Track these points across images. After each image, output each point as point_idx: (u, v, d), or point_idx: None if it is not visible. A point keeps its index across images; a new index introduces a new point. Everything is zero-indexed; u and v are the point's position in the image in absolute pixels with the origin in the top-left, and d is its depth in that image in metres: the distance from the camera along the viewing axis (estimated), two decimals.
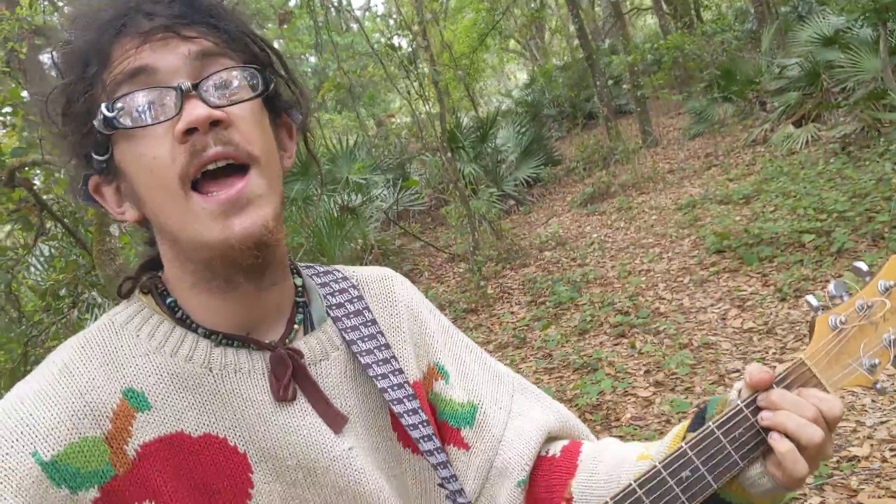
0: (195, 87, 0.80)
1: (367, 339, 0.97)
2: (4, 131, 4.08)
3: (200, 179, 0.81)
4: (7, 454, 0.76)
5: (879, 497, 2.89)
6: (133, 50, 0.80)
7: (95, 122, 0.81)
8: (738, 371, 4.33)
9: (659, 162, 11.53)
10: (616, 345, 5.29)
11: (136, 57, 0.80)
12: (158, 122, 0.80)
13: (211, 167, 0.81)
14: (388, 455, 0.96)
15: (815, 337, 0.91)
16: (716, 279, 5.86)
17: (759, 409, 0.86)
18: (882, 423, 3.35)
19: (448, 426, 1.02)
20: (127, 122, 0.80)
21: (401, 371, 0.97)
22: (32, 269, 4.70)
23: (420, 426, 0.95)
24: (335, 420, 0.90)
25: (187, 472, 0.82)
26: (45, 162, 3.54)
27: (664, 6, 17.71)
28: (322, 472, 0.88)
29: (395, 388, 0.95)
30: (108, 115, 0.80)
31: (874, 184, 6.23)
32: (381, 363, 0.96)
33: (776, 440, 0.83)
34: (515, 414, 1.06)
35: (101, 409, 0.81)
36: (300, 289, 0.97)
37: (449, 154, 7.89)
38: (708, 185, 8.94)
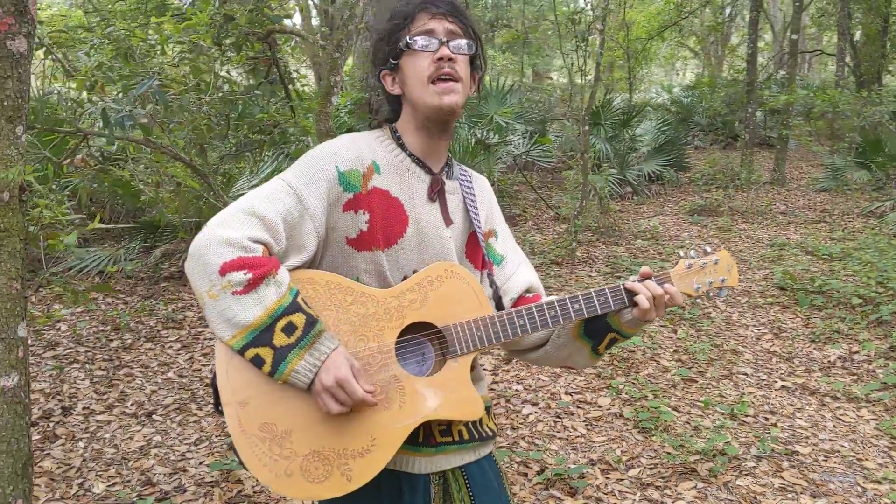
0: (447, 42, 1.64)
1: (471, 197, 1.80)
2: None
3: (437, 79, 1.63)
4: (323, 163, 1.62)
5: (797, 478, 3.82)
6: (426, 20, 1.66)
7: (401, 44, 1.66)
8: (746, 374, 5.24)
9: (777, 201, 12.05)
10: (662, 327, 6.22)
11: (427, 23, 1.66)
12: (427, 51, 1.64)
13: (443, 76, 1.63)
14: (458, 256, 1.75)
15: (677, 266, 1.79)
16: (767, 308, 6.68)
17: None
18: (830, 440, 4.24)
19: (489, 261, 1.82)
20: (416, 47, 1.65)
21: (480, 222, 1.80)
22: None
23: (484, 247, 1.79)
24: (447, 220, 1.73)
25: (384, 208, 1.64)
26: (291, 32, 4.70)
27: (849, 58, 17.60)
28: (434, 240, 1.69)
29: (479, 225, 1.78)
30: (408, 41, 1.65)
31: None
32: (475, 212, 1.78)
33: (640, 298, 1.67)
34: (519, 270, 1.88)
35: (364, 161, 1.65)
36: (450, 159, 1.80)
37: (587, 127, 8.76)
38: (807, 236, 9.52)
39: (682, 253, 1.83)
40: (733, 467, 3.93)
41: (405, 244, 1.65)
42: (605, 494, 3.72)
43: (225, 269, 1.44)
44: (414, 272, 1.65)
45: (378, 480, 1.57)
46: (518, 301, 1.84)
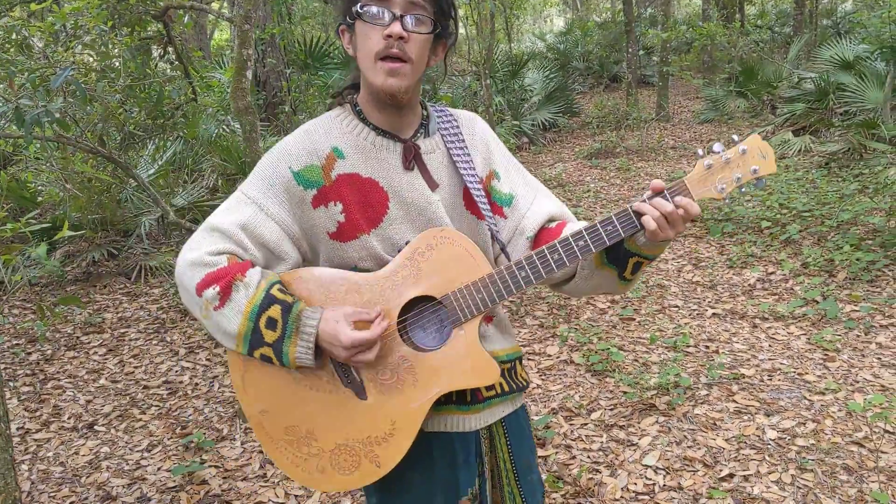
0: (402, 17, 1.48)
1: (457, 147, 1.67)
2: None
3: (385, 58, 1.50)
4: (276, 167, 1.56)
5: (748, 400, 4.00)
6: None
7: (353, 8, 1.51)
8: (677, 306, 5.44)
9: (666, 136, 12.48)
10: None
11: None
12: (378, 24, 1.49)
13: (391, 55, 1.49)
14: (455, 213, 1.65)
15: (694, 170, 1.55)
16: (682, 241, 6.93)
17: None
18: (770, 359, 4.46)
19: (496, 205, 1.72)
20: (366, 17, 1.49)
21: (474, 169, 1.67)
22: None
23: (481, 199, 1.65)
24: (432, 184, 1.62)
25: (357, 193, 1.57)
26: (191, 7, 4.45)
27: None
28: (422, 208, 1.60)
29: (470, 175, 1.65)
30: (358, 10, 1.49)
31: (838, 198, 7.25)
32: (463, 162, 1.66)
33: (646, 220, 1.49)
34: (535, 203, 1.74)
35: (320, 152, 1.57)
36: (425, 116, 1.67)
37: (488, 81, 8.77)
38: None
39: (700, 152, 1.57)
40: (688, 397, 4.08)
41: (391, 220, 1.60)
42: (574, 441, 3.80)
43: (199, 289, 1.49)
44: (407, 244, 1.59)
45: (429, 445, 1.63)
46: (539, 235, 1.72)
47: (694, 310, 5.38)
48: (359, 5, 1.50)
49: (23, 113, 2.78)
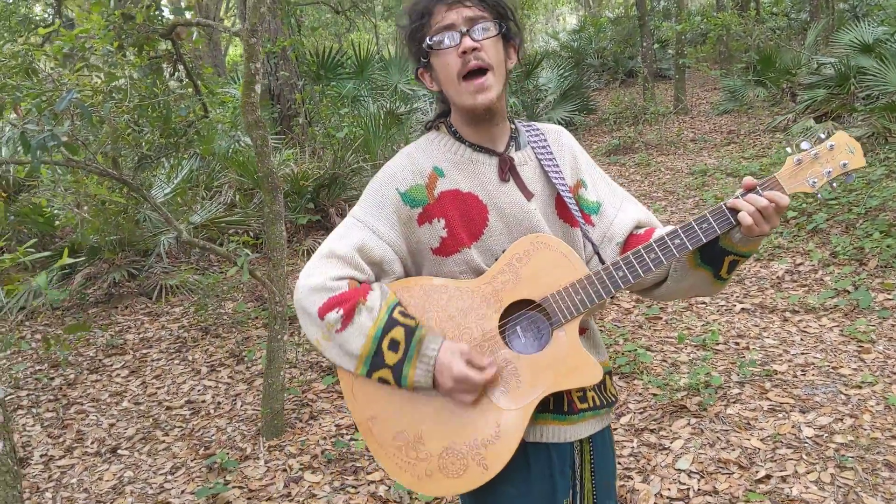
0: (468, 31, 1.57)
1: (547, 159, 1.74)
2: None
3: (468, 75, 1.57)
4: (384, 190, 1.65)
5: (782, 397, 3.88)
6: (443, 13, 1.58)
7: (424, 45, 1.61)
8: (705, 303, 5.31)
9: (685, 129, 12.31)
10: None
11: (444, 17, 1.58)
12: (451, 47, 1.58)
13: (472, 68, 1.56)
14: (551, 221, 1.70)
15: (784, 166, 1.60)
16: None
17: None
18: (802, 354, 4.33)
19: (585, 213, 1.76)
20: (440, 47, 1.58)
21: (564, 179, 1.73)
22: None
23: (574, 207, 1.70)
24: (527, 194, 1.68)
25: (459, 207, 1.64)
26: (198, 23, 4.41)
27: None
28: (520, 218, 1.65)
29: (562, 184, 1.70)
30: (429, 43, 1.60)
31: (864, 184, 7.07)
32: (554, 172, 1.72)
33: (742, 216, 1.52)
34: (622, 210, 1.80)
35: (423, 172, 1.66)
36: (514, 130, 1.76)
37: None
38: (723, 159, 9.76)
39: (789, 149, 1.62)
40: (720, 397, 3.97)
41: (491, 232, 1.65)
42: None
43: (322, 313, 1.55)
44: (504, 251, 1.65)
45: (526, 456, 1.66)
46: (627, 242, 1.77)
47: (722, 305, 5.25)
48: (428, 39, 1.60)
49: (28, 138, 2.75)
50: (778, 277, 5.60)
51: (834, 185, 1.62)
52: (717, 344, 4.61)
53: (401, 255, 1.66)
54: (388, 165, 1.71)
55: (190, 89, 5.34)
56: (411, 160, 1.69)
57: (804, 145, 1.61)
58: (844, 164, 1.59)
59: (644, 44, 13.93)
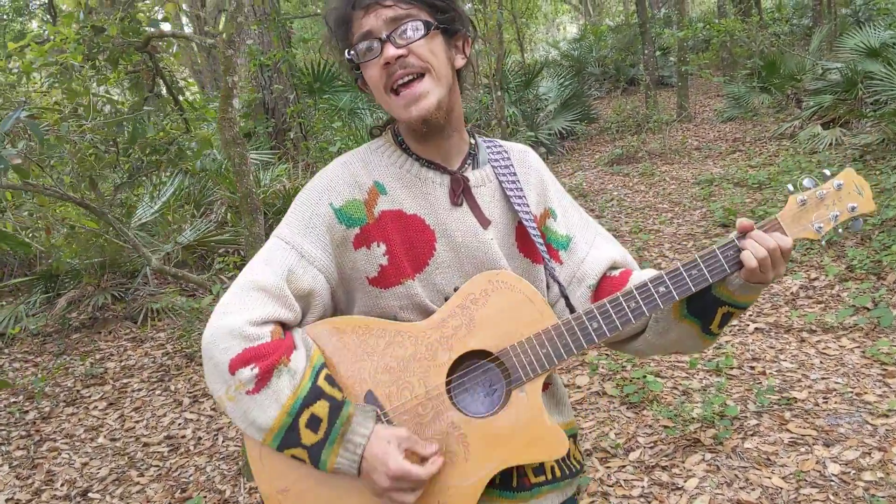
0: (389, 37, 1.32)
1: (510, 181, 1.48)
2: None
3: (397, 86, 1.33)
4: (315, 204, 1.38)
5: (804, 428, 3.58)
6: (360, 18, 1.34)
7: (346, 59, 1.38)
8: None
9: (689, 137, 12.04)
10: None
11: (362, 23, 1.34)
12: (372, 59, 1.34)
13: (400, 81, 1.33)
14: (510, 255, 1.46)
15: (787, 206, 1.40)
16: None
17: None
18: (822, 378, 4.04)
19: (552, 248, 1.52)
20: (361, 60, 1.35)
21: (528, 206, 1.47)
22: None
23: (538, 240, 1.46)
24: (483, 221, 1.42)
25: (402, 232, 1.38)
26: (172, 35, 4.15)
27: None
28: (473, 249, 1.41)
29: (525, 211, 1.46)
30: (349, 57, 1.37)
31: (878, 192, 6.79)
32: (517, 197, 1.47)
33: (745, 256, 1.31)
34: (594, 247, 1.55)
35: (362, 186, 1.40)
36: (473, 145, 1.50)
37: (499, 92, 8.43)
38: (729, 167, 9.48)
39: (791, 187, 1.42)
40: (737, 429, 3.67)
41: (437, 263, 1.39)
42: (611, 487, 3.41)
43: (233, 367, 1.26)
44: (455, 290, 1.38)
45: None
46: (601, 284, 1.52)
47: (735, 325, 4.96)
48: (347, 52, 1.37)
49: None
50: (792, 293, 5.31)
51: (840, 230, 1.42)
52: (731, 368, 4.31)
53: (332, 284, 1.39)
54: (320, 175, 1.43)
55: (169, 106, 5.09)
56: (349, 170, 1.42)
57: (807, 183, 1.42)
58: (853, 208, 1.40)
59: (645, 51, 13.67)
